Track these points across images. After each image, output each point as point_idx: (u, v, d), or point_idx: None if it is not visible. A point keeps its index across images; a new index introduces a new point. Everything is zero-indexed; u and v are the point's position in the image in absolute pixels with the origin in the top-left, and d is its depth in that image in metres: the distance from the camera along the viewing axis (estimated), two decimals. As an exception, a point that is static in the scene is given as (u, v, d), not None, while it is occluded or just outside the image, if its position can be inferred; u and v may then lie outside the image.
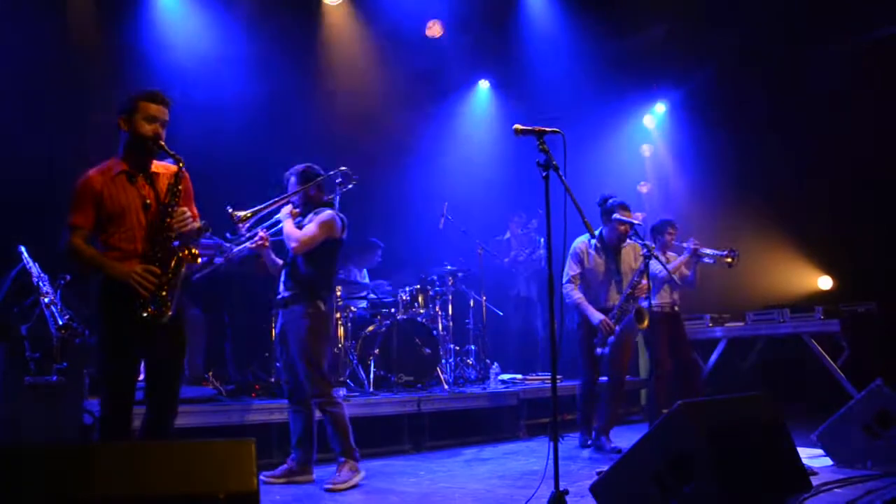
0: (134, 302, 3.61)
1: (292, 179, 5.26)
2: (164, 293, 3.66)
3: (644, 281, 6.07)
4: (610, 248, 6.29)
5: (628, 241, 6.34)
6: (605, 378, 6.37)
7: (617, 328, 6.06)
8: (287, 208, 5.16)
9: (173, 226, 3.76)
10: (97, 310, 3.72)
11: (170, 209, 3.78)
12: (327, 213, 5.15)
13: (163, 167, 3.92)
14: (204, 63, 7.66)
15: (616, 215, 6.13)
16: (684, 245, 7.08)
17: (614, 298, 6.23)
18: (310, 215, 5.17)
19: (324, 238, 5.06)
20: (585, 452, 6.27)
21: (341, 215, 5.26)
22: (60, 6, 7.26)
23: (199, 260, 3.84)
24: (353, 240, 8.03)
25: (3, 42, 6.56)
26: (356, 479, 4.93)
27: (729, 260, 6.98)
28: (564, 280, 6.27)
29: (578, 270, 6.25)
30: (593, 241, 6.25)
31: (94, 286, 3.73)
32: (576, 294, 6.19)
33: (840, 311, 8.20)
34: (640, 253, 6.18)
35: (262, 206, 4.96)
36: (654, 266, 6.62)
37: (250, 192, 5.37)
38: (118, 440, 3.56)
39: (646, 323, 6.07)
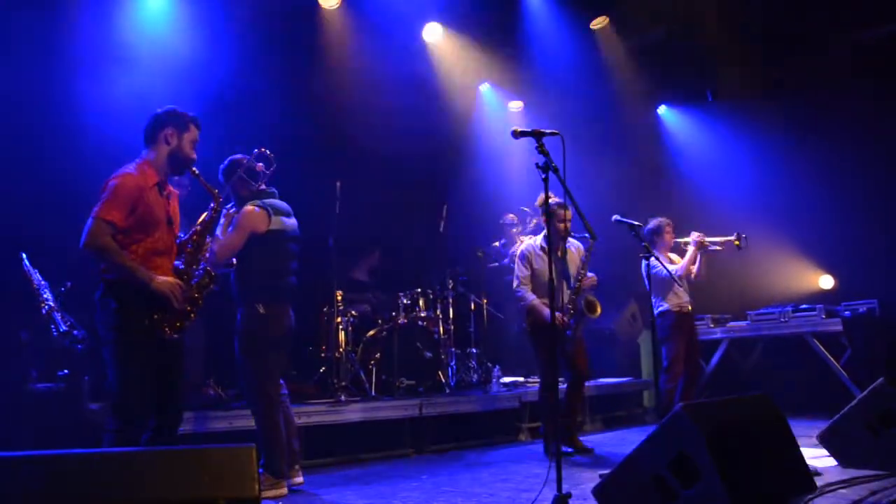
0: (159, 315, 3.70)
1: (221, 179, 4.98)
2: (189, 309, 3.81)
3: (590, 273, 6.17)
4: (555, 249, 6.27)
5: (571, 240, 6.36)
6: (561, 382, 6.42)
7: (571, 322, 6.11)
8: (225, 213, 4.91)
9: (205, 253, 3.99)
10: (117, 320, 3.67)
11: (206, 239, 4.00)
12: (245, 209, 4.81)
13: (171, 188, 4.04)
14: (197, 67, 7.63)
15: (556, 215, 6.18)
16: (685, 240, 7.05)
17: (566, 296, 6.24)
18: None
19: (244, 238, 4.74)
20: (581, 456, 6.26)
21: (265, 203, 4.88)
22: (53, 9, 7.24)
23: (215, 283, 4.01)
24: (352, 242, 8.11)
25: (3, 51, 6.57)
26: (268, 494, 4.64)
27: (737, 242, 6.94)
28: (515, 284, 6.35)
29: (528, 272, 6.32)
30: (538, 243, 6.33)
31: (112, 295, 3.69)
32: (529, 296, 6.25)
33: (841, 310, 8.19)
34: (583, 252, 6.30)
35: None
36: (663, 270, 6.63)
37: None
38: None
39: (598, 312, 6.15)
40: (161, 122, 3.87)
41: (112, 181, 3.68)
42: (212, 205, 3.97)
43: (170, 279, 3.72)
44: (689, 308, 7.05)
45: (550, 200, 6.12)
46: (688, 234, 7.09)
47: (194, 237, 3.96)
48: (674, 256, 7.14)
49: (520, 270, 6.34)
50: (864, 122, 8.76)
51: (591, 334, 6.56)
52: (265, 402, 4.85)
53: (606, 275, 6.50)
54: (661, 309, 6.94)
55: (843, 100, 8.81)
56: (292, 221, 5.11)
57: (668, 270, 6.75)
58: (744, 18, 9.04)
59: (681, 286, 6.97)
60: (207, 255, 4.33)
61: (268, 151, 4.96)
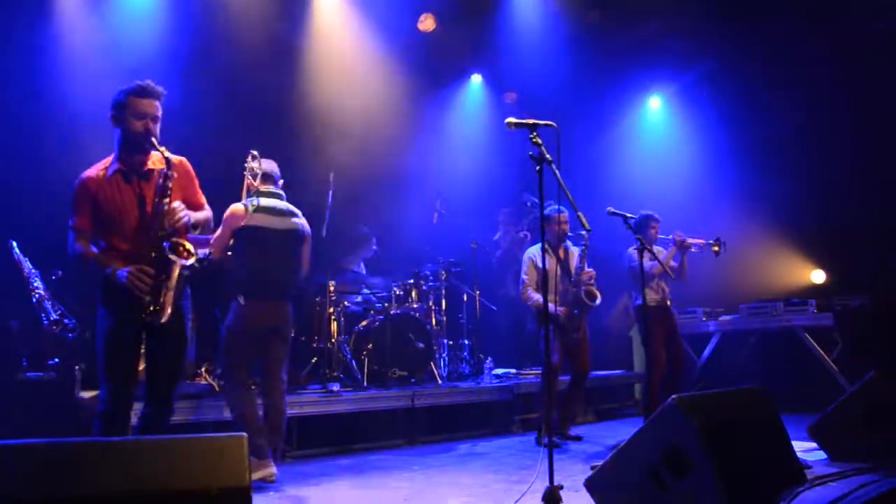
0: (133, 302, 3.59)
1: None
2: (160, 293, 3.63)
3: (588, 268, 6.40)
4: (556, 250, 6.52)
5: (569, 242, 6.64)
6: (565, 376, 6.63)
7: (575, 312, 6.35)
8: None
9: (165, 225, 3.69)
10: (100, 306, 3.71)
11: (159, 208, 3.70)
12: (231, 206, 5.05)
13: (159, 161, 3.80)
14: (192, 55, 7.60)
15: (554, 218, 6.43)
16: (669, 237, 7.10)
17: (570, 293, 6.45)
18: None
19: (229, 233, 4.97)
20: (575, 446, 6.32)
21: (247, 201, 5.05)
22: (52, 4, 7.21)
23: (196, 258, 3.75)
24: (346, 233, 8.11)
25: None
26: (257, 475, 4.69)
27: (716, 248, 7.03)
28: (521, 288, 6.60)
29: (534, 275, 6.52)
30: (540, 247, 6.45)
31: (96, 283, 3.71)
32: (535, 295, 6.43)
33: (833, 304, 8.21)
34: (580, 253, 6.49)
35: None
36: (633, 261, 6.69)
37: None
38: (116, 435, 3.54)
39: (596, 299, 6.39)
40: (110, 110, 3.77)
41: (73, 188, 3.70)
42: (166, 171, 3.73)
43: (120, 266, 3.60)
44: (668, 303, 7.09)
45: (549, 208, 6.29)
46: (670, 232, 7.18)
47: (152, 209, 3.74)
48: (657, 249, 7.15)
49: (526, 273, 6.57)
50: (859, 115, 8.77)
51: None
52: (231, 390, 5.00)
53: (597, 268, 6.55)
54: (638, 302, 7.03)
55: (838, 94, 8.81)
56: (290, 221, 5.13)
57: (659, 262, 6.75)
58: (739, 9, 9.01)
59: (670, 278, 7.00)
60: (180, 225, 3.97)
61: (254, 152, 5.17)
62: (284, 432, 5.17)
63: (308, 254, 5.29)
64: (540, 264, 6.42)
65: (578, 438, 6.54)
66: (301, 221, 5.22)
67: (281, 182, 5.28)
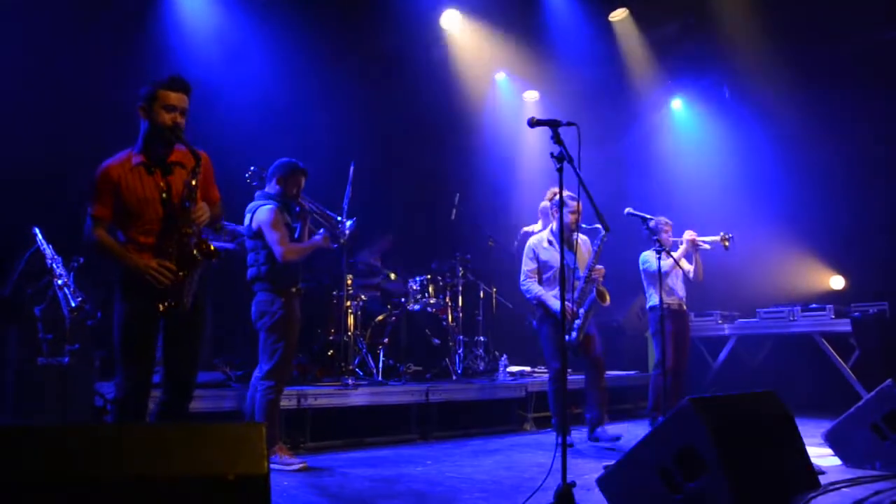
0: (152, 294, 3.61)
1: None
2: (181, 290, 3.66)
3: (599, 265, 6.15)
4: (565, 240, 6.27)
5: (578, 234, 6.31)
6: (581, 375, 6.51)
7: (580, 311, 6.11)
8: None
9: (191, 223, 3.71)
10: (118, 293, 3.72)
11: (186, 205, 3.71)
12: None
13: (182, 155, 3.80)
14: (225, 50, 7.67)
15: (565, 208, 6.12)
16: (680, 240, 7.10)
17: (575, 288, 6.21)
18: None
19: None
20: (588, 445, 6.31)
21: None
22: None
23: (217, 257, 3.76)
24: (363, 226, 8.14)
25: (22, 24, 6.59)
26: None
27: (726, 243, 7.01)
28: (522, 278, 6.35)
29: (534, 265, 6.31)
30: (545, 237, 6.36)
31: (115, 270, 3.72)
32: (535, 288, 6.24)
33: (851, 311, 8.16)
34: (591, 247, 6.32)
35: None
36: (654, 264, 6.67)
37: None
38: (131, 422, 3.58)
39: (607, 300, 6.16)
40: (137, 102, 3.73)
41: (94, 175, 3.68)
42: (196, 168, 3.73)
43: (141, 259, 3.62)
44: (681, 305, 7.07)
45: (558, 196, 6.18)
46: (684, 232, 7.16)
47: (179, 207, 3.73)
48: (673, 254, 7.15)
49: (525, 264, 6.35)
50: (882, 120, 8.70)
51: (599, 328, 6.55)
52: None
53: (614, 268, 6.51)
54: (650, 304, 7.04)
55: (861, 97, 8.74)
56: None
57: (679, 266, 6.75)
58: (763, 12, 8.97)
59: (683, 280, 7.02)
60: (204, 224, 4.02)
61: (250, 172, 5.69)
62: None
63: (270, 241, 5.11)
64: (542, 255, 6.29)
65: (596, 440, 6.45)
66: (247, 219, 5.25)
67: (275, 180, 5.30)
